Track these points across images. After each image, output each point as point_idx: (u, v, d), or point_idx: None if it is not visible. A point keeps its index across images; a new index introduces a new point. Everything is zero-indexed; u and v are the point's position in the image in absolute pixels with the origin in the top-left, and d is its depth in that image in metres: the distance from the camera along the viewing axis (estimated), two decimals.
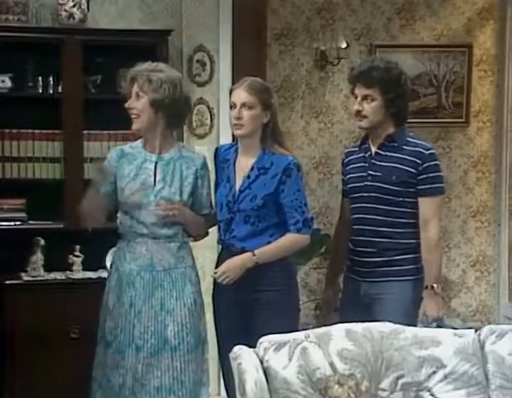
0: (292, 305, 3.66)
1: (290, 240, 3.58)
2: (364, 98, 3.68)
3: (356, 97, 3.71)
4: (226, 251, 3.64)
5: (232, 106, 3.59)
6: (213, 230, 3.83)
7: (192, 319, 3.60)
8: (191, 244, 3.75)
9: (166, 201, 3.52)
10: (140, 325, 3.54)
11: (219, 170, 3.72)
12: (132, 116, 3.58)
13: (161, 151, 3.62)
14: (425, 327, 3.50)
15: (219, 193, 3.66)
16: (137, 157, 3.63)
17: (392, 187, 3.66)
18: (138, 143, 3.70)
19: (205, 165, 3.67)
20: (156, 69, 3.58)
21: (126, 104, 3.58)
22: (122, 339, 3.55)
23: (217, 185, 3.71)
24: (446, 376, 3.01)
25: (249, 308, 3.58)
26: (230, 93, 3.64)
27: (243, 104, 3.54)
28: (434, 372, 3.01)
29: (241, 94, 3.56)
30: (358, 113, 3.71)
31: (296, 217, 3.55)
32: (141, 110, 3.55)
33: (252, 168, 3.59)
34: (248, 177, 3.59)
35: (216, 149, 3.82)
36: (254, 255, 3.52)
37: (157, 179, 3.59)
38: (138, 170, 3.60)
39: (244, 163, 3.62)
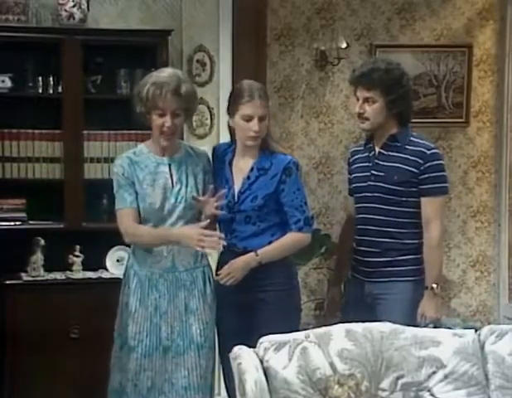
0: (293, 305, 3.66)
1: (292, 239, 3.59)
2: (366, 100, 3.68)
3: (358, 99, 3.72)
4: (228, 252, 3.63)
5: (247, 119, 3.54)
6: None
7: (212, 317, 3.65)
8: None
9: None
10: (167, 326, 3.56)
11: (216, 169, 3.71)
12: (169, 131, 3.53)
13: (172, 152, 3.62)
14: (423, 327, 3.50)
15: None
16: (148, 162, 3.60)
17: (394, 187, 3.66)
18: (142, 147, 3.67)
19: (209, 160, 3.71)
20: (183, 79, 3.57)
21: (167, 123, 3.49)
22: (148, 343, 3.56)
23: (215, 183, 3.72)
24: (446, 376, 3.02)
25: (251, 308, 3.58)
26: (241, 103, 3.55)
27: (261, 118, 3.53)
28: (434, 372, 3.01)
29: (259, 109, 3.52)
30: (359, 115, 3.71)
31: (297, 216, 3.56)
32: (179, 126, 3.58)
33: (251, 169, 3.60)
34: (248, 178, 3.59)
35: (214, 149, 3.82)
36: (257, 255, 3.53)
37: (174, 180, 3.59)
38: (154, 175, 3.58)
39: (243, 164, 3.62)
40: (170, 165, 3.60)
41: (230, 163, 3.66)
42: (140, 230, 3.55)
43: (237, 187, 3.60)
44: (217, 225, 3.71)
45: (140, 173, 3.58)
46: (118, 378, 3.62)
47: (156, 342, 3.56)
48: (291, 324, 3.39)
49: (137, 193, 3.56)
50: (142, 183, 3.57)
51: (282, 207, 3.57)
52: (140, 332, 3.57)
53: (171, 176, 3.59)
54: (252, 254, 3.53)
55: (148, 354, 3.55)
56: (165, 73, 3.58)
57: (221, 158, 3.70)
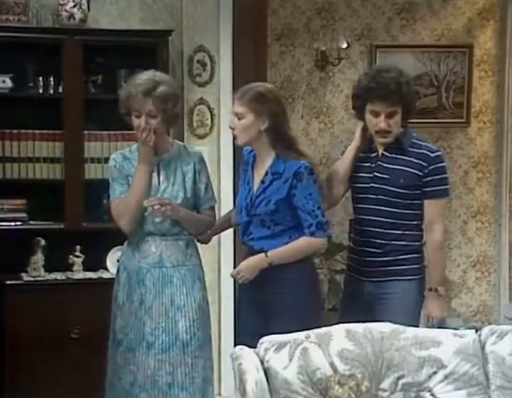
0: (309, 306, 3.62)
1: (304, 243, 3.58)
2: (389, 115, 3.61)
3: (377, 114, 3.60)
4: (247, 253, 3.68)
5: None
6: (229, 232, 3.87)
7: (202, 315, 3.67)
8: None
9: (157, 198, 3.56)
10: (151, 321, 3.59)
11: (242, 171, 3.76)
12: (147, 132, 3.57)
13: (162, 152, 3.67)
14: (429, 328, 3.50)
15: (240, 196, 3.71)
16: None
17: (399, 190, 3.65)
18: (136, 146, 3.71)
19: (201, 159, 3.73)
20: (160, 81, 3.59)
21: (142, 124, 3.54)
22: (132, 337, 3.61)
23: (239, 186, 3.76)
24: (446, 377, 3.01)
25: (265, 307, 3.59)
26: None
27: (236, 114, 3.59)
28: (435, 373, 3.01)
29: (234, 105, 3.61)
30: (384, 130, 3.63)
31: (309, 221, 3.55)
32: (157, 128, 3.58)
33: (266, 173, 3.61)
34: (263, 182, 3.61)
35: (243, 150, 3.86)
36: (267, 256, 3.55)
37: (161, 179, 3.64)
38: None
39: (261, 168, 3.65)
40: (158, 164, 3.65)
41: (253, 165, 3.69)
42: (122, 202, 3.61)
43: (255, 191, 3.64)
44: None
45: (131, 169, 3.65)
46: (109, 372, 3.69)
47: (139, 337, 3.59)
48: (305, 325, 3.36)
49: (129, 184, 3.64)
50: (132, 178, 3.64)
51: (297, 211, 3.58)
52: (126, 326, 3.62)
53: (158, 174, 3.64)
54: (262, 255, 3.56)
55: (132, 348, 3.60)
56: (143, 75, 3.62)
57: (246, 159, 3.73)
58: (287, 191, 3.54)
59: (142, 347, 3.58)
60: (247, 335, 3.53)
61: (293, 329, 3.16)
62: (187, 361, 3.60)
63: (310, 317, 3.58)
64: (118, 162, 3.69)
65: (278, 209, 3.55)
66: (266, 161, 3.62)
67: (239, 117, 3.56)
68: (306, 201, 3.54)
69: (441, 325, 3.63)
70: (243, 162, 3.76)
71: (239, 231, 3.73)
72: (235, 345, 3.67)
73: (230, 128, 3.67)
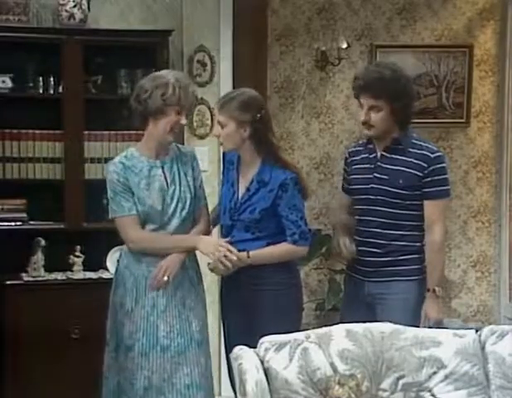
0: (292, 304, 3.66)
1: (285, 249, 3.61)
2: (371, 108, 3.62)
3: (362, 106, 3.66)
4: None
5: None
6: (213, 232, 3.88)
7: (206, 314, 3.72)
8: None
9: (223, 255, 3.50)
10: (165, 325, 3.58)
11: (225, 169, 3.77)
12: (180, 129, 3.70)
13: (163, 154, 3.65)
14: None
15: (224, 196, 3.71)
16: (141, 166, 3.61)
17: (399, 191, 3.65)
18: (133, 151, 3.66)
19: (195, 158, 3.75)
20: None
21: (183, 121, 3.61)
22: (144, 341, 3.57)
23: (223, 184, 3.76)
24: (446, 377, 3.02)
25: (250, 306, 3.61)
26: None
27: (218, 122, 3.62)
28: (435, 373, 3.01)
29: (216, 113, 3.66)
30: (364, 123, 3.67)
31: (292, 230, 3.59)
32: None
33: (252, 181, 3.62)
34: (248, 189, 3.62)
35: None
36: (249, 257, 3.57)
37: (169, 182, 3.62)
38: (148, 179, 3.59)
39: (246, 173, 3.65)
40: (162, 167, 3.63)
41: (238, 167, 3.69)
42: (151, 237, 3.60)
43: (240, 195, 3.64)
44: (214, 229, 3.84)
45: (135, 178, 3.59)
46: (114, 379, 3.65)
47: (153, 341, 3.57)
48: (289, 324, 3.40)
49: (134, 198, 3.58)
50: (138, 188, 3.58)
51: (281, 219, 3.60)
52: (136, 331, 3.58)
53: (166, 178, 3.62)
54: (244, 253, 3.56)
55: (145, 353, 3.56)
56: (181, 74, 3.73)
57: (229, 158, 3.74)
58: (272, 201, 3.57)
59: (157, 351, 3.56)
60: (236, 335, 3.56)
61: (275, 326, 3.21)
62: (201, 361, 3.61)
63: (291, 315, 3.64)
64: (121, 175, 3.58)
65: (263, 217, 3.58)
66: (251, 167, 3.63)
67: (222, 125, 3.59)
68: (290, 212, 3.57)
69: (437, 326, 3.62)
70: (225, 160, 3.76)
71: (222, 233, 3.75)
72: (225, 346, 3.72)
73: (215, 135, 3.72)
